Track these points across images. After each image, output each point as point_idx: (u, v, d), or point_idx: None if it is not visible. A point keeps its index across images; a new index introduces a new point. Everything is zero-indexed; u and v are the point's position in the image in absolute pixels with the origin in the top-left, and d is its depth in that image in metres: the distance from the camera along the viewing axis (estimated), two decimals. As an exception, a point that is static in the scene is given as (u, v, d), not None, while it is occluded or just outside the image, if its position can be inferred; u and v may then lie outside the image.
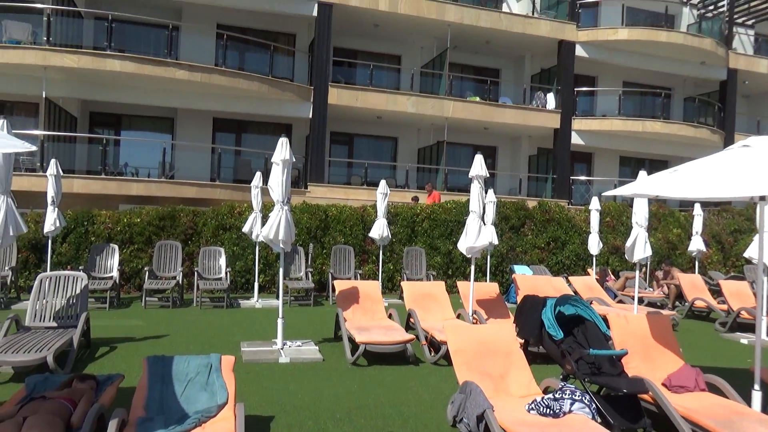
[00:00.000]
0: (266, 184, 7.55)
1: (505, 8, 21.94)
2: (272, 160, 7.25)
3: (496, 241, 11.54)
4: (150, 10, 17.00)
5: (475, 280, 8.14)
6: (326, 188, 17.24)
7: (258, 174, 10.93)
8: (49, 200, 9.90)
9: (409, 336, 6.99)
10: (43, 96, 14.57)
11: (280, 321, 7.35)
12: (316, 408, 5.24)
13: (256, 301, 10.93)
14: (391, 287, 13.04)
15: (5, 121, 6.31)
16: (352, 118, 19.50)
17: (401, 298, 9.78)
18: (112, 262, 10.78)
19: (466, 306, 8.36)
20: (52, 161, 10.03)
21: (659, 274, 13.10)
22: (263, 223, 10.24)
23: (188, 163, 17.03)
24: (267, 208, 10.45)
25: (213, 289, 10.67)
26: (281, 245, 7.19)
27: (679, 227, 15.71)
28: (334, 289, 9.48)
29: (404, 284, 8.91)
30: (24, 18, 15.08)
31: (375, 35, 20.04)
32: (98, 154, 15.31)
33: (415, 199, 15.35)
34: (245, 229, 10.85)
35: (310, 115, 17.57)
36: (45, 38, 14.48)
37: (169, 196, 14.64)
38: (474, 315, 8.22)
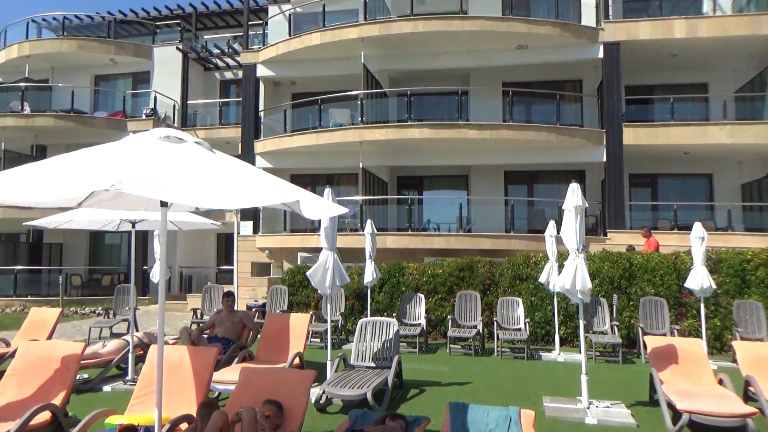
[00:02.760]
0: (560, 233, 7.28)
1: None
2: (563, 207, 6.97)
3: None
4: (441, 81, 18.62)
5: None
6: (629, 235, 15.85)
7: (551, 223, 10.66)
8: (367, 255, 11.45)
9: (751, 409, 5.72)
10: (360, 166, 17.02)
11: (583, 377, 6.83)
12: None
13: (557, 354, 10.47)
14: (720, 347, 11.06)
15: (330, 190, 7.66)
16: (653, 158, 17.76)
17: (734, 361, 8.30)
18: (419, 311, 11.68)
19: (831, 374, 6.52)
20: (368, 222, 11.67)
21: None
22: (559, 273, 9.85)
23: (483, 216, 17.68)
24: (563, 257, 10.04)
25: (512, 339, 10.60)
26: (579, 295, 6.77)
27: None
28: (645, 346, 8.46)
29: (737, 344, 7.42)
30: (344, 105, 18.14)
31: (672, 66, 18.12)
32: (405, 213, 17.12)
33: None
34: (541, 279, 10.61)
35: (604, 159, 16.62)
36: (360, 119, 17.09)
37: (467, 249, 15.34)
38: None
